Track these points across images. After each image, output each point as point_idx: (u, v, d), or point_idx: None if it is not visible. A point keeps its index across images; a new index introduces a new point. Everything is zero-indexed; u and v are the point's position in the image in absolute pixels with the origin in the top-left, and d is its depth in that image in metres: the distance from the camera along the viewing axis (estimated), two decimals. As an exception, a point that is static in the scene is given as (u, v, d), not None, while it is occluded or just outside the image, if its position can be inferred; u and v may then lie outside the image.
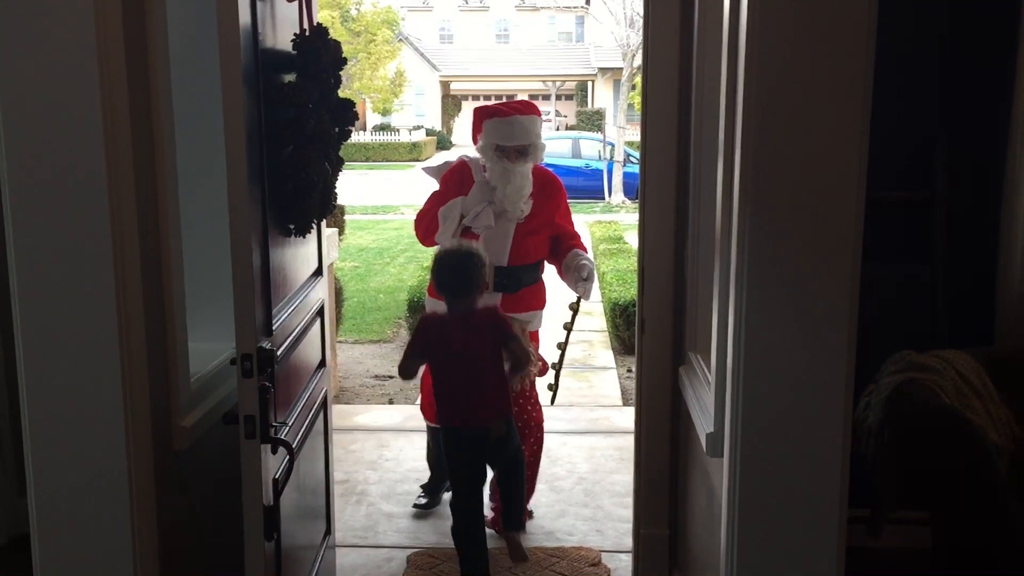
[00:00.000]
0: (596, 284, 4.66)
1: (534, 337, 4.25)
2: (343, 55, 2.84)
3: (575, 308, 4.43)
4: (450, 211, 4.05)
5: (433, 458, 4.51)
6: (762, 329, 2.15)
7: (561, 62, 39.04)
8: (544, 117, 24.51)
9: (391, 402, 6.33)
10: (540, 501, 4.59)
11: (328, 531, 3.41)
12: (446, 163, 4.35)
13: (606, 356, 7.60)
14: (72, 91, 2.24)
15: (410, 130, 34.07)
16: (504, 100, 4.40)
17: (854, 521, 2.97)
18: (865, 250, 2.35)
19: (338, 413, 6.01)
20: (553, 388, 4.52)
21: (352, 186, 19.46)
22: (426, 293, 4.30)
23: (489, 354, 3.49)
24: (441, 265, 3.55)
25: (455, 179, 4.16)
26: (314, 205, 2.75)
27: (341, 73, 2.89)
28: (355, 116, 2.95)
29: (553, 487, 4.83)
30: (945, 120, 3.33)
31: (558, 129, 33.61)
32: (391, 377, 6.86)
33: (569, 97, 41.05)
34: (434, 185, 4.31)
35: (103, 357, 2.27)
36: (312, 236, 3.08)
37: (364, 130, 34.92)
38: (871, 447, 2.83)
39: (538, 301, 4.22)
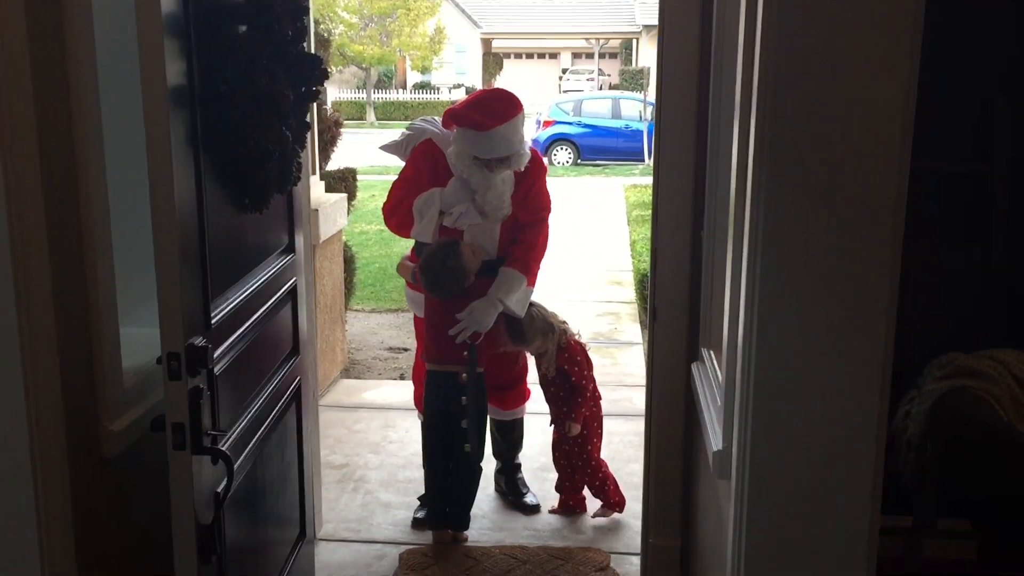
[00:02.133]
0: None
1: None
2: (306, 2, 2.47)
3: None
4: (427, 206, 3.66)
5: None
6: (776, 327, 1.77)
7: (605, 19, 38.08)
8: (587, 76, 24.13)
9: (402, 377, 6.01)
10: (550, 492, 4.25)
11: (302, 533, 3.10)
12: (407, 136, 3.88)
13: (633, 330, 7.20)
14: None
15: (450, 88, 33.54)
16: (482, 94, 3.81)
17: (894, 532, 2.62)
18: (909, 229, 2.01)
19: (345, 389, 5.72)
20: None
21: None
22: (405, 287, 4.04)
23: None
24: (429, 269, 3.55)
25: (425, 164, 3.73)
26: (271, 176, 2.40)
27: (308, 24, 2.53)
28: (323, 74, 2.59)
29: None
30: (1006, 82, 2.88)
31: (600, 88, 32.92)
32: (405, 350, 6.54)
33: (613, 55, 40.13)
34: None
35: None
36: (277, 210, 2.74)
37: (404, 88, 34.49)
38: (910, 462, 2.45)
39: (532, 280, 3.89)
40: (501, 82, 39.24)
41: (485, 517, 4.07)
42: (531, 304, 3.88)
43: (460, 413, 3.71)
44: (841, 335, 1.76)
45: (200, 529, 2.13)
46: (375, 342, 6.82)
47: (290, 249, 2.90)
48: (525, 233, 3.77)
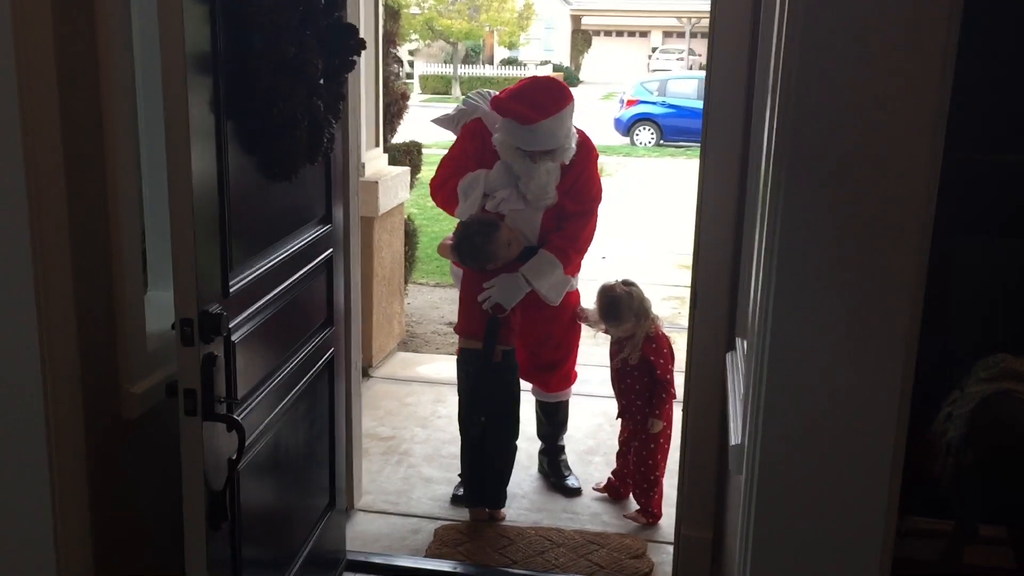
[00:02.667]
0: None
1: (575, 297, 3.94)
2: (342, -30, 2.45)
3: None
4: (471, 187, 3.59)
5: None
6: (792, 321, 1.67)
7: (697, -3, 37.44)
8: (677, 56, 23.71)
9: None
10: (593, 476, 4.20)
11: (331, 504, 3.11)
12: (460, 111, 3.80)
13: (698, 315, 7.08)
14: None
15: (536, 64, 33.38)
16: (531, 84, 3.64)
17: (936, 536, 2.51)
18: (961, 222, 1.87)
19: (401, 362, 5.74)
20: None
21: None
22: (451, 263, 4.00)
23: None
24: (460, 236, 3.60)
25: (473, 143, 3.65)
26: (299, 145, 2.38)
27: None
28: (358, 45, 2.56)
29: (610, 461, 4.40)
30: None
31: (691, 68, 32.38)
32: (465, 325, 6.54)
33: (705, 35, 39.45)
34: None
35: (13, 310, 1.97)
36: (312, 180, 2.73)
37: (491, 63, 34.45)
38: (950, 466, 2.33)
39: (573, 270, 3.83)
40: (589, 59, 38.94)
41: (525, 497, 4.04)
42: (631, 284, 3.83)
43: (487, 390, 3.67)
44: (861, 333, 1.66)
45: (211, 495, 2.14)
46: (435, 316, 6.84)
47: (327, 220, 2.89)
48: (570, 222, 3.67)
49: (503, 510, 3.84)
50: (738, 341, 2.64)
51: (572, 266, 3.72)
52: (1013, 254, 2.56)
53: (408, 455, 4.43)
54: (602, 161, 16.39)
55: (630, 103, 19.58)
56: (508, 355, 3.69)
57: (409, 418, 4.88)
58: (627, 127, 19.45)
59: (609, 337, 3.95)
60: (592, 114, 19.48)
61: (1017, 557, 2.25)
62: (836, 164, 1.62)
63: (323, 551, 3.06)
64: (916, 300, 1.65)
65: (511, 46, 33.89)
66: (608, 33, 41.69)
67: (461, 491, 3.95)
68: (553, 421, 4.12)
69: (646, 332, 3.75)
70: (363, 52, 4.78)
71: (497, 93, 3.68)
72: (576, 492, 4.05)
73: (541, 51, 36.99)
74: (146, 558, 2.43)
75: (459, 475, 4.02)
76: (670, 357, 3.80)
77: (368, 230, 5.20)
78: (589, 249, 3.82)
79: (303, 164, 2.44)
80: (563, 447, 4.21)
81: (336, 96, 2.54)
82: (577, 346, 4.10)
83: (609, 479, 4.03)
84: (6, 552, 2.12)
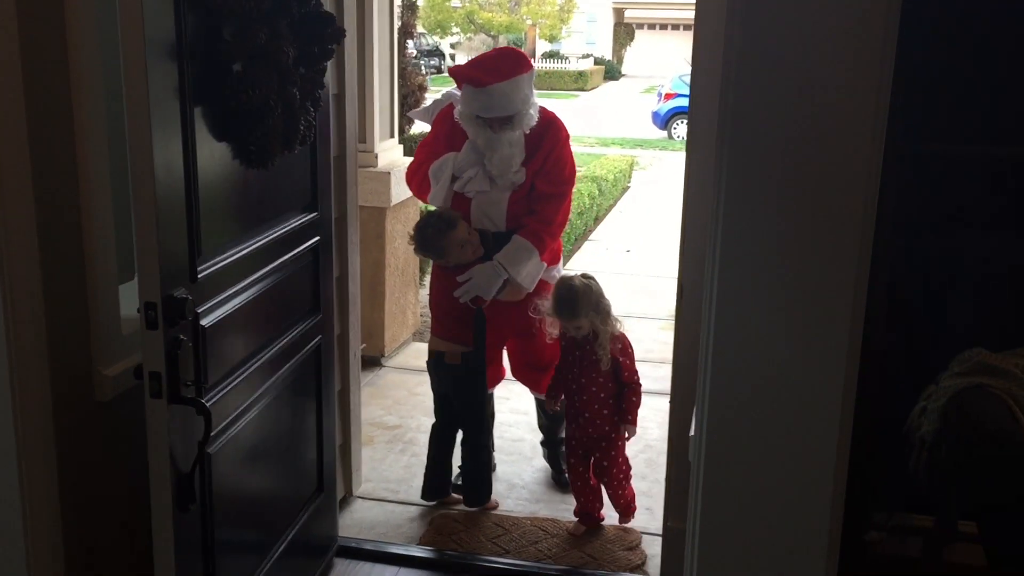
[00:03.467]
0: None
1: (547, 288, 3.69)
2: (319, -42, 2.46)
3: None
4: (440, 170, 3.59)
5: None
6: (735, 307, 1.66)
7: (742, -10, 36.98)
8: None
9: (473, 343, 6.02)
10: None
11: (320, 489, 3.14)
12: (436, 102, 3.80)
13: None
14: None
15: (578, 58, 33.29)
16: (490, 52, 3.70)
17: (915, 532, 2.47)
18: (949, 217, 1.86)
19: (414, 352, 5.76)
20: None
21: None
22: None
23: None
24: (418, 225, 3.66)
25: (446, 127, 3.65)
26: (274, 132, 2.40)
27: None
28: (336, 33, 2.57)
29: (613, 452, 4.40)
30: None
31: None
32: (482, 316, 6.54)
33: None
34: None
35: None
36: (296, 168, 2.75)
37: (532, 57, 34.41)
38: (923, 461, 2.29)
39: (549, 256, 3.72)
40: (631, 53, 38.69)
41: (524, 487, 4.05)
42: (590, 278, 3.56)
43: (456, 395, 3.70)
44: (805, 320, 1.64)
45: (179, 478, 2.17)
46: (454, 307, 6.84)
47: (312, 208, 2.91)
48: (543, 206, 3.61)
49: (494, 499, 3.84)
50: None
51: (546, 251, 3.65)
52: (995, 248, 2.51)
53: (412, 444, 4.45)
54: (637, 154, 16.33)
55: (667, 97, 19.44)
56: (468, 356, 3.63)
57: (417, 408, 4.90)
58: (664, 121, 19.32)
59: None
60: (633, 108, 19.36)
61: (987, 554, 2.21)
62: (778, 150, 1.60)
63: (311, 536, 3.09)
64: (860, 285, 1.62)
65: (552, 39, 33.79)
66: (652, 26, 41.41)
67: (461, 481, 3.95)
68: (549, 416, 4.10)
69: (611, 332, 3.49)
70: (376, 43, 4.87)
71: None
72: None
73: (583, 44, 36.86)
74: (118, 540, 2.47)
75: (458, 466, 4.01)
76: (633, 357, 3.61)
77: (380, 220, 5.23)
78: (562, 233, 3.78)
79: (279, 152, 2.46)
80: (562, 440, 4.19)
81: (314, 84, 2.55)
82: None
83: (580, 516, 3.69)
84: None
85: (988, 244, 2.62)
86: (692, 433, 2.06)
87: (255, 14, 2.23)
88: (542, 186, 3.60)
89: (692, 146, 2.85)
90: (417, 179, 3.72)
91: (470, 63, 3.58)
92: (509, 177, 3.53)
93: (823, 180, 1.59)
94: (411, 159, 5.60)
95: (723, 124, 1.63)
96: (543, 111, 3.59)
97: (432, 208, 3.79)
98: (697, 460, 1.77)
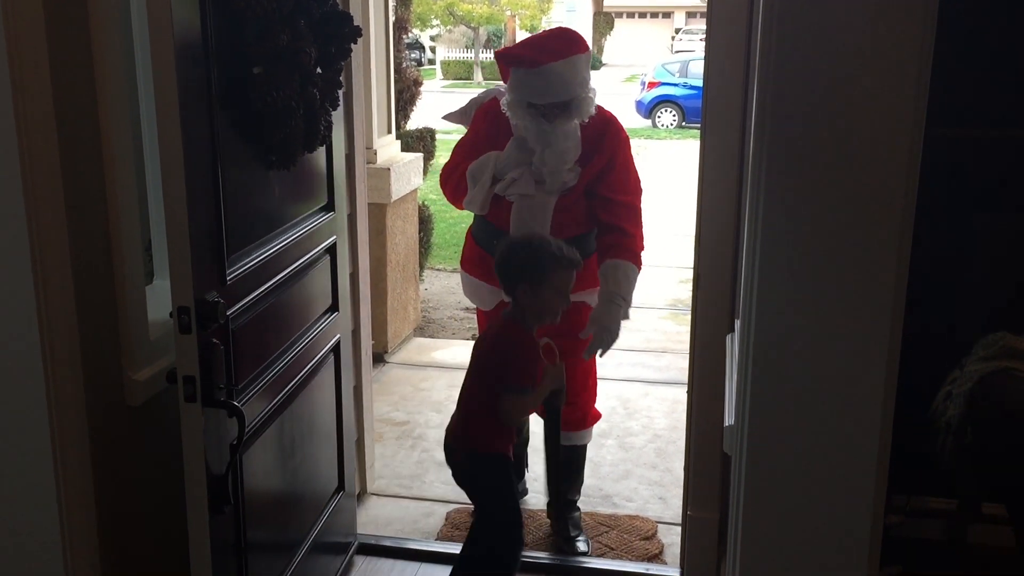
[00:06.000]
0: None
1: (587, 311, 3.23)
2: (336, -42, 2.46)
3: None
4: (481, 170, 3.17)
5: None
6: (777, 299, 1.67)
7: (721, -23, 37.02)
8: (700, 36, 23.31)
9: (474, 337, 6.03)
10: (605, 459, 4.23)
11: (341, 486, 3.15)
12: (473, 102, 3.41)
13: (715, 297, 7.05)
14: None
15: (558, 48, 33.19)
16: (540, 33, 3.40)
17: (939, 515, 2.51)
18: (972, 200, 1.83)
19: (416, 347, 5.78)
20: None
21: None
22: (463, 271, 3.52)
23: (481, 368, 2.86)
24: (532, 261, 2.74)
25: (488, 124, 3.24)
26: (296, 133, 2.40)
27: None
28: (353, 33, 2.57)
29: (623, 443, 4.44)
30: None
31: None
32: (481, 310, 6.56)
33: (729, 14, 39.03)
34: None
35: (12, 302, 2.01)
36: (313, 168, 2.75)
37: (512, 48, 34.33)
38: (949, 445, 2.32)
39: (592, 277, 3.22)
40: (612, 42, 38.70)
41: (538, 480, 4.06)
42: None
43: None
44: (845, 311, 1.66)
45: (213, 480, 2.17)
46: (452, 301, 6.86)
47: (329, 207, 2.91)
48: (622, 217, 3.17)
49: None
50: (736, 323, 2.64)
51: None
52: (1017, 230, 2.54)
53: (422, 439, 4.47)
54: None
55: (651, 85, 19.46)
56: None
57: (424, 403, 4.92)
58: (648, 109, 19.34)
59: None
60: (615, 97, 19.35)
61: (1016, 535, 2.24)
62: (818, 144, 1.62)
63: (333, 534, 3.10)
64: (900, 277, 1.64)
65: (532, 30, 33.68)
66: (631, 15, 41.40)
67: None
68: (568, 469, 3.46)
69: None
70: (373, 39, 4.85)
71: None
72: (584, 553, 3.43)
73: (563, 34, 36.74)
74: (152, 543, 2.47)
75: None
76: None
77: (381, 216, 5.23)
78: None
79: (301, 153, 2.46)
80: (575, 502, 3.59)
81: (333, 84, 2.55)
82: (594, 373, 3.50)
83: None
84: (13, 538, 2.16)
85: (1003, 225, 2.66)
86: (729, 424, 2.09)
87: (277, 16, 2.23)
88: (609, 193, 3.18)
89: (706, 140, 2.86)
90: (452, 181, 3.30)
91: (520, 43, 3.21)
92: (560, 176, 3.11)
93: (862, 171, 1.61)
94: (408, 155, 5.66)
95: (760, 118, 1.64)
96: (599, 108, 3.19)
97: (472, 214, 3.34)
98: (739, 452, 1.79)
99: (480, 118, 3.32)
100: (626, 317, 3.17)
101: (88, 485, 2.19)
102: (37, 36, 1.98)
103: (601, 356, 3.23)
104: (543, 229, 3.12)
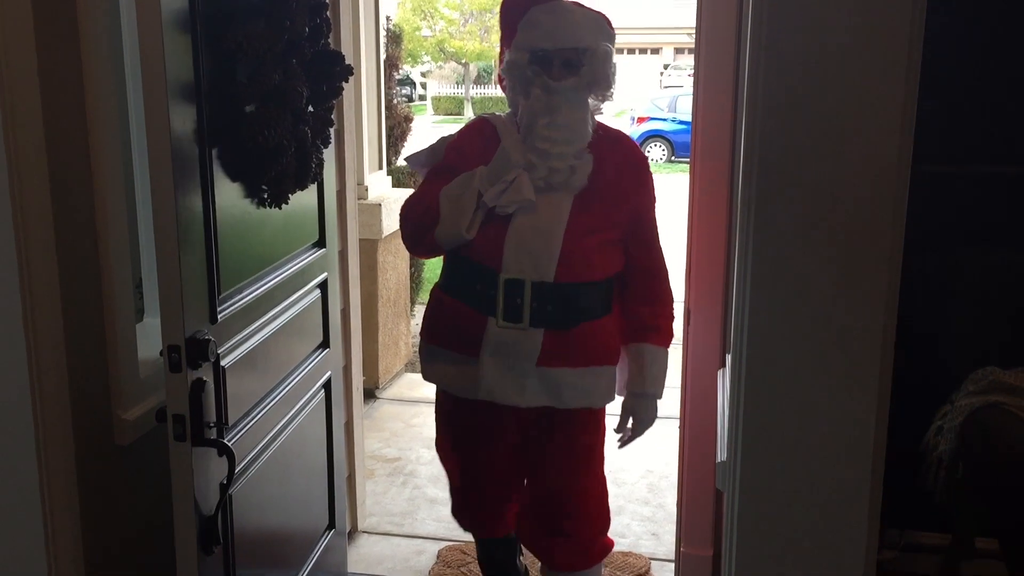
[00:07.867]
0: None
1: (602, 417, 2.71)
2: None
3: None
4: (463, 187, 2.47)
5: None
6: (768, 334, 1.68)
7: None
8: (689, 72, 23.57)
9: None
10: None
11: (331, 525, 3.12)
12: (442, 139, 2.72)
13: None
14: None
15: (548, 84, 33.46)
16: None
17: (932, 550, 2.50)
18: (960, 235, 1.79)
19: (407, 383, 5.76)
20: None
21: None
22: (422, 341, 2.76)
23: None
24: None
25: (473, 142, 2.59)
26: (287, 171, 2.41)
27: (331, 20, 2.53)
28: (345, 71, 2.58)
29: (615, 479, 4.40)
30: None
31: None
32: (473, 345, 6.55)
33: (716, 50, 39.44)
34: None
35: (2, 333, 2.00)
36: (305, 205, 2.75)
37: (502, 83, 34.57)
38: (940, 480, 2.32)
39: (608, 350, 2.59)
40: (601, 78, 38.93)
41: (529, 517, 4.04)
42: None
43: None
44: (836, 347, 1.66)
45: (202, 520, 2.16)
46: (443, 337, 6.84)
47: (320, 244, 2.91)
48: (647, 276, 2.61)
49: None
50: (728, 358, 2.64)
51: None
52: (1006, 266, 2.56)
53: (413, 476, 4.44)
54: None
55: (640, 120, 19.63)
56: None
57: (415, 439, 4.89)
58: (639, 144, 19.49)
59: None
60: (603, 132, 19.62)
61: (1010, 570, 2.23)
62: (806, 179, 1.63)
63: (324, 573, 3.07)
64: (890, 312, 1.65)
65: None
66: (619, 51, 41.46)
67: None
68: None
69: None
70: (365, 77, 4.89)
71: None
72: None
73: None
74: (142, 583, 2.45)
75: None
76: None
77: (372, 252, 5.23)
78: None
79: (292, 191, 2.47)
80: None
81: (324, 122, 2.56)
82: (597, 493, 2.78)
83: None
84: (0, 577, 2.14)
85: (992, 261, 2.68)
86: (721, 460, 2.08)
87: (270, 56, 2.24)
88: (651, 259, 2.62)
89: (697, 169, 2.88)
90: (419, 210, 2.57)
91: None
92: (569, 161, 2.43)
93: (851, 206, 1.62)
94: (399, 190, 5.66)
95: (749, 153, 1.65)
96: (625, 138, 2.69)
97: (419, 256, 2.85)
98: (731, 488, 1.79)
99: (466, 136, 2.66)
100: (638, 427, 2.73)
101: (76, 525, 2.17)
102: (29, 74, 1.99)
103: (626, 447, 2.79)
104: (551, 253, 2.43)
